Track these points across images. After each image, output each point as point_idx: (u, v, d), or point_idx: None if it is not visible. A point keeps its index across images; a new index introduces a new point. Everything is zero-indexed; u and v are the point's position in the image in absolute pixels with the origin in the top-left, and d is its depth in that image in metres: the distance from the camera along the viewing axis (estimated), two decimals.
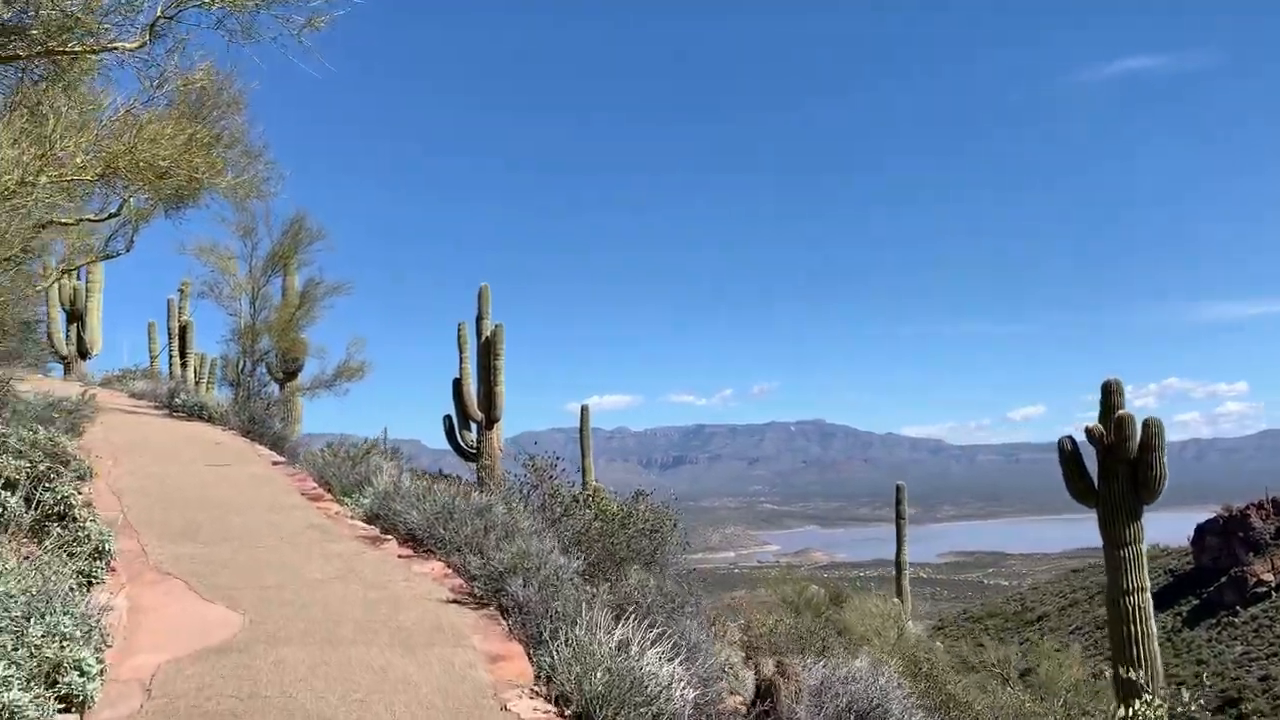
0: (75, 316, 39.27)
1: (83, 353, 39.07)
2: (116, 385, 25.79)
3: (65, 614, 5.32)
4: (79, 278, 39.65)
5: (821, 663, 9.48)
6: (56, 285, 38.99)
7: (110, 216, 11.21)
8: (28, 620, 5.08)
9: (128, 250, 12.09)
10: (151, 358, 41.34)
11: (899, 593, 42.30)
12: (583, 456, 39.42)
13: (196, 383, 35.94)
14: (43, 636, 4.99)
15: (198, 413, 19.82)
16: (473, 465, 39.11)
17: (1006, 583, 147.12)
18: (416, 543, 10.52)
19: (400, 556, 9.78)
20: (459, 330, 37.33)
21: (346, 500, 12.27)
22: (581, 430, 39.45)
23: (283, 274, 24.63)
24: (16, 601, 5.22)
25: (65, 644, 5.04)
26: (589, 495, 13.87)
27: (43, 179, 7.31)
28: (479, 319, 37.34)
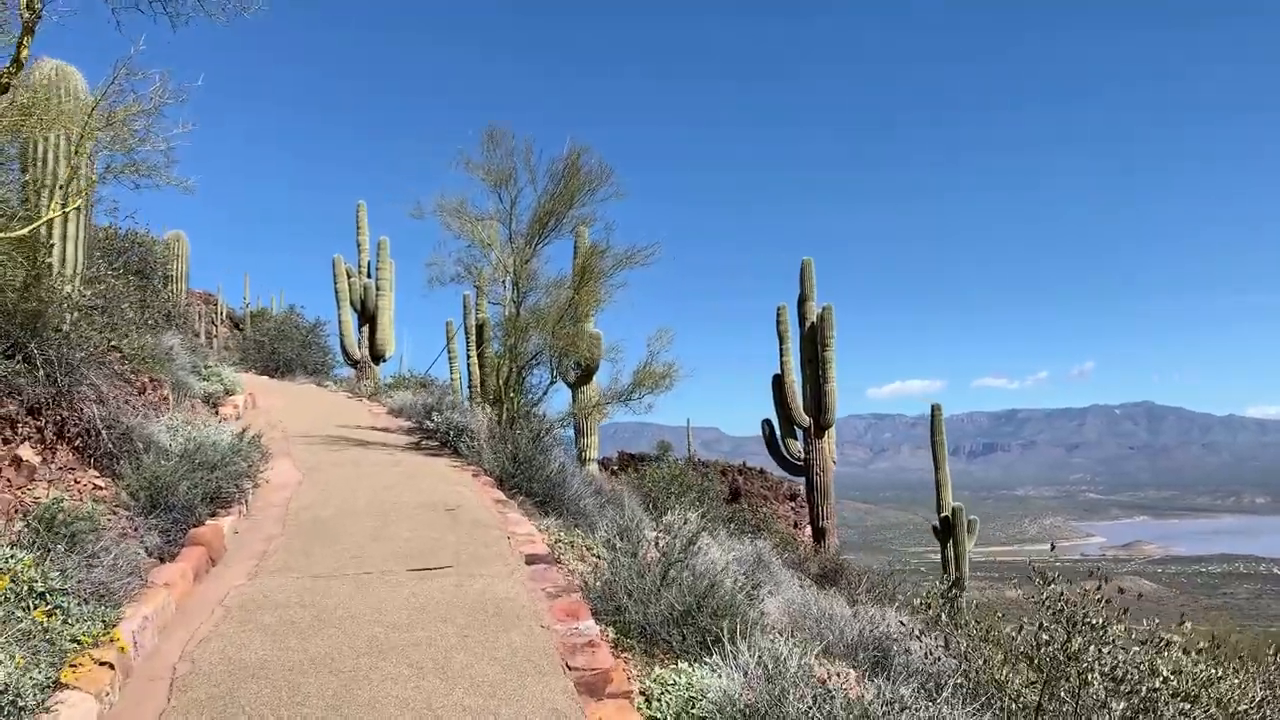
0: (367, 317, 36.52)
1: (375, 356, 36.24)
2: (382, 397, 21.21)
3: None
4: (369, 274, 36.93)
5: None
6: (347, 283, 36.54)
7: None
8: None
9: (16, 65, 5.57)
10: (450, 359, 37.80)
11: None
12: (935, 469, 31.12)
13: None
14: None
15: (452, 442, 14.14)
16: (801, 480, 32.34)
17: None
18: None
19: None
20: (778, 315, 30.59)
21: (665, 687, 5.47)
22: (933, 436, 31.07)
23: (575, 239, 18.45)
24: None
25: None
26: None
27: None
28: (802, 300, 30.41)
